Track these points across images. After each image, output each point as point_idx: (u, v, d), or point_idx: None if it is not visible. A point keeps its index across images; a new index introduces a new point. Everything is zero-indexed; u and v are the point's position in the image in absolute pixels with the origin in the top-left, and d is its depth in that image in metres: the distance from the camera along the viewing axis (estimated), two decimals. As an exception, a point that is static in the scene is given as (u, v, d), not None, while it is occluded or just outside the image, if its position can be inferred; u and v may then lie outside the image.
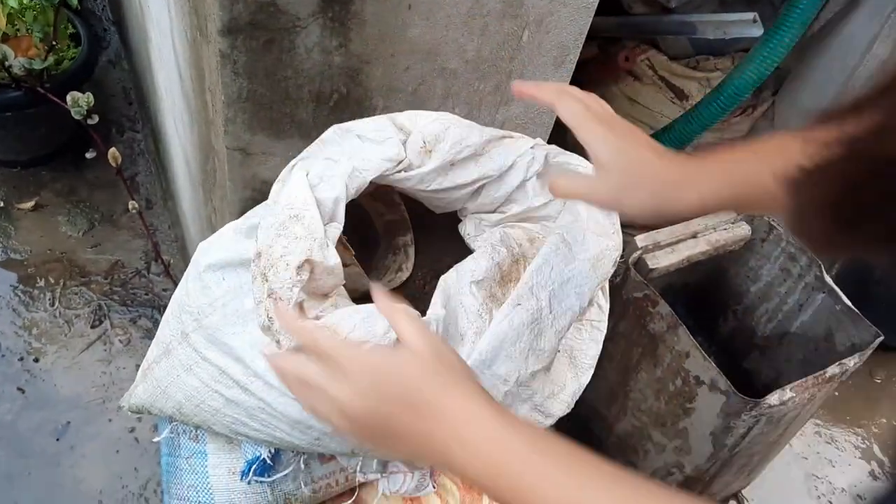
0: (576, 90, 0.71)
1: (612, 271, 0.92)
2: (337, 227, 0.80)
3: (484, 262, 0.87)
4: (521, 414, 0.86)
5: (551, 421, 0.90)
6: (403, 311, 0.62)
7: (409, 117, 0.88)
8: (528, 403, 0.87)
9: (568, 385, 0.93)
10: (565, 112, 0.68)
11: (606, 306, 0.98)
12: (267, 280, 0.75)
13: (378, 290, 0.65)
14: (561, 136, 1.83)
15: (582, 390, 0.94)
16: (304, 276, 0.75)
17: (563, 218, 0.91)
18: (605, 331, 0.97)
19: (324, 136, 0.85)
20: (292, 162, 0.84)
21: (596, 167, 0.67)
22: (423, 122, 0.87)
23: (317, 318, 0.76)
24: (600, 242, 0.89)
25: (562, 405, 0.92)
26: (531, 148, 0.92)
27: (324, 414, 0.59)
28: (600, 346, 0.96)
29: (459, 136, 0.87)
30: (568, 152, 0.94)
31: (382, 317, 0.74)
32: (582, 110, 0.67)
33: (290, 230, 0.76)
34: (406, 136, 0.87)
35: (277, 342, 0.76)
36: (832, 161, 0.37)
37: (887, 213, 0.36)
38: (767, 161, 0.61)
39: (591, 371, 0.96)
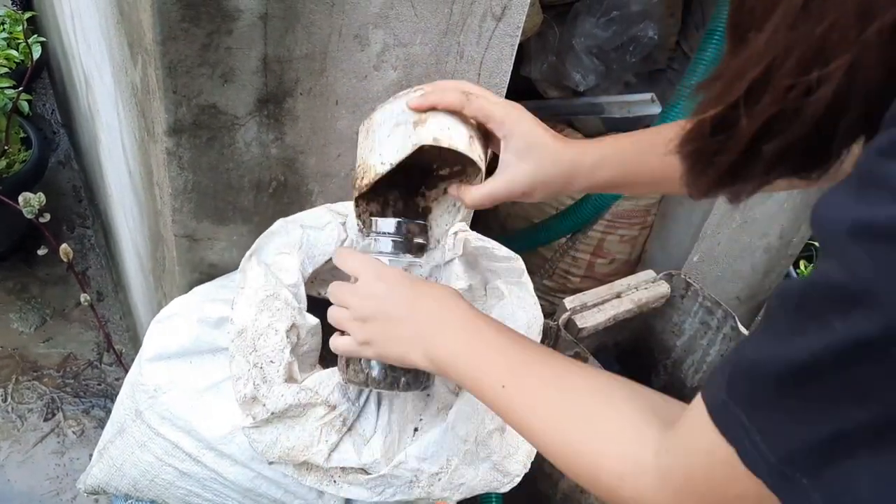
0: (469, 85, 0.78)
1: (539, 338, 1.02)
2: (303, 308, 0.91)
3: None
4: (482, 474, 0.92)
5: (510, 479, 0.96)
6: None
7: (343, 205, 0.99)
8: (488, 463, 0.93)
9: (521, 445, 1.00)
10: (474, 110, 0.75)
11: None
12: (255, 350, 0.84)
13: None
14: (484, 222, 1.94)
15: (536, 450, 1.01)
16: (293, 339, 0.86)
17: (489, 300, 1.01)
18: None
19: (271, 228, 0.96)
20: (248, 252, 0.93)
21: (506, 159, 0.75)
22: None
23: (302, 380, 0.86)
24: (527, 313, 0.99)
25: (518, 464, 0.99)
26: (454, 233, 1.02)
27: (340, 321, 0.76)
28: None
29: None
30: (487, 238, 1.05)
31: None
32: (487, 104, 0.75)
33: (270, 305, 0.87)
34: (344, 219, 0.97)
35: (253, 417, 0.84)
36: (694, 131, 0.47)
37: (713, 164, 0.45)
38: (656, 149, 0.72)
39: None
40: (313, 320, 0.89)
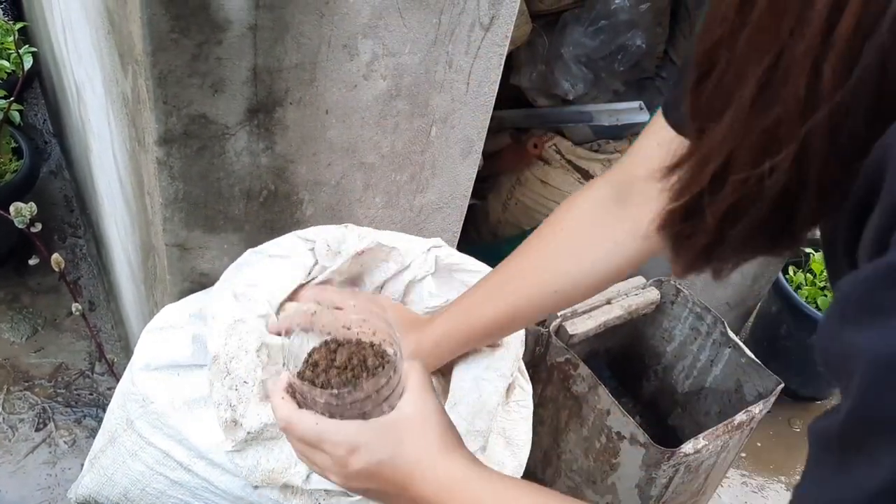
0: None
1: (522, 350, 1.02)
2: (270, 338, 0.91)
3: None
4: None
5: None
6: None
7: (313, 231, 1.00)
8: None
9: (507, 463, 1.00)
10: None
11: (528, 387, 1.07)
12: (229, 373, 0.85)
13: None
14: (475, 229, 1.95)
15: (524, 467, 1.01)
16: (263, 357, 0.87)
17: None
18: (531, 408, 1.05)
19: (240, 259, 0.97)
20: (218, 284, 0.94)
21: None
22: (326, 232, 0.99)
23: None
24: None
25: (503, 482, 1.00)
26: (427, 250, 1.03)
27: (322, 473, 0.71)
28: (530, 423, 1.03)
29: (360, 233, 0.99)
30: (460, 254, 1.05)
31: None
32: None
33: (238, 329, 0.88)
34: (312, 245, 0.98)
35: (234, 441, 0.85)
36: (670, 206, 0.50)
37: (687, 247, 0.48)
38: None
39: (528, 447, 1.02)
40: (283, 340, 0.90)
